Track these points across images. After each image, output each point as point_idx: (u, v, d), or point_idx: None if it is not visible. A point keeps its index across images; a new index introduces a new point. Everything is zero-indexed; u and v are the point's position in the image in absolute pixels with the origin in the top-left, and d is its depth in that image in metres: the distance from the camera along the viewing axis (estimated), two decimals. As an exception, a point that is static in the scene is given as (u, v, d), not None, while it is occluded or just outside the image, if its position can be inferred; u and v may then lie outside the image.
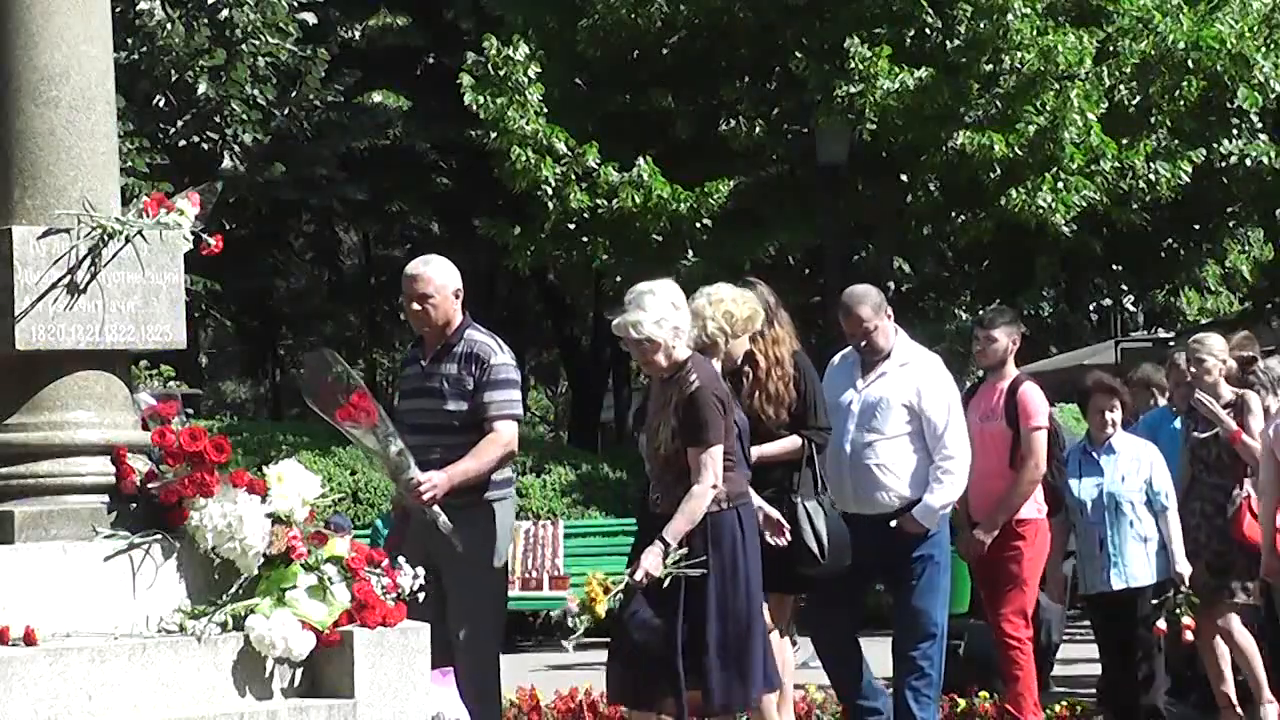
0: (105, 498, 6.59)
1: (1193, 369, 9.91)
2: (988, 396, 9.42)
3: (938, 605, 8.79)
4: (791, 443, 8.28)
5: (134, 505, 6.59)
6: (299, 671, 6.53)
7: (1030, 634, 9.35)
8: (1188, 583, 9.50)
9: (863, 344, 8.78)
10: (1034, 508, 9.31)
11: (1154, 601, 9.52)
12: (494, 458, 7.64)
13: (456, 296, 7.82)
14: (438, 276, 7.81)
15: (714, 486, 7.20)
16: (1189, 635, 9.58)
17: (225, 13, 21.42)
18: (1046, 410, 9.42)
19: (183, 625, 6.44)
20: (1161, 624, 9.51)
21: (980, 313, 9.98)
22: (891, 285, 20.75)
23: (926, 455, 8.69)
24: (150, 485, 6.58)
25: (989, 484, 9.17)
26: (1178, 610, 9.48)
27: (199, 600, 6.53)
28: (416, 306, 7.78)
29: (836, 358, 9.10)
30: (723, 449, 7.27)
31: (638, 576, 7.12)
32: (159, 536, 6.52)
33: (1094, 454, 9.74)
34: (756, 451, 8.05)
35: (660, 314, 7.23)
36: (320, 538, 6.69)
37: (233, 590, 6.54)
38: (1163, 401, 10.92)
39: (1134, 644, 9.65)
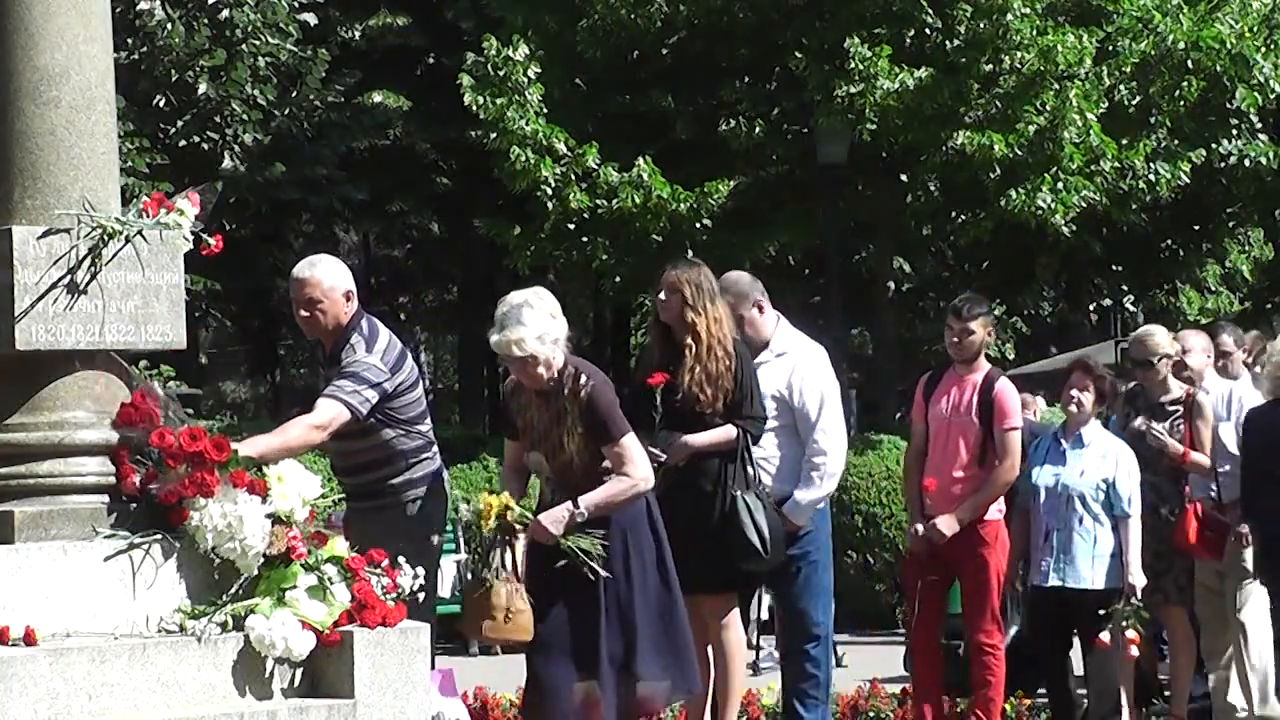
0: (105, 498, 6.58)
1: (1139, 364, 9.63)
2: (957, 390, 9.06)
3: (820, 605, 8.59)
4: (726, 432, 8.00)
5: (134, 505, 6.59)
6: (299, 671, 6.53)
7: (1002, 639, 9.10)
8: (1139, 595, 9.07)
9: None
10: (995, 509, 9.03)
11: (1100, 612, 9.07)
12: (295, 435, 7.12)
13: (348, 299, 7.48)
14: (326, 279, 7.48)
15: (644, 479, 7.09)
16: (1133, 651, 9.19)
17: (225, 13, 21.44)
18: (1020, 409, 9.18)
19: (183, 625, 6.44)
20: (1105, 636, 9.06)
21: (954, 301, 9.44)
22: (891, 285, 20.78)
23: (798, 449, 8.41)
24: (151, 486, 6.58)
25: (952, 480, 8.94)
26: (1125, 623, 9.04)
27: (199, 600, 6.53)
28: (304, 313, 7.45)
29: None
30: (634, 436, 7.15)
31: (538, 532, 6.89)
32: (159, 536, 6.52)
33: (1062, 443, 9.33)
34: (692, 440, 7.91)
35: (540, 328, 7.03)
36: (320, 538, 6.69)
37: (233, 590, 6.54)
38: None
39: (1068, 646, 9.33)
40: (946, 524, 8.88)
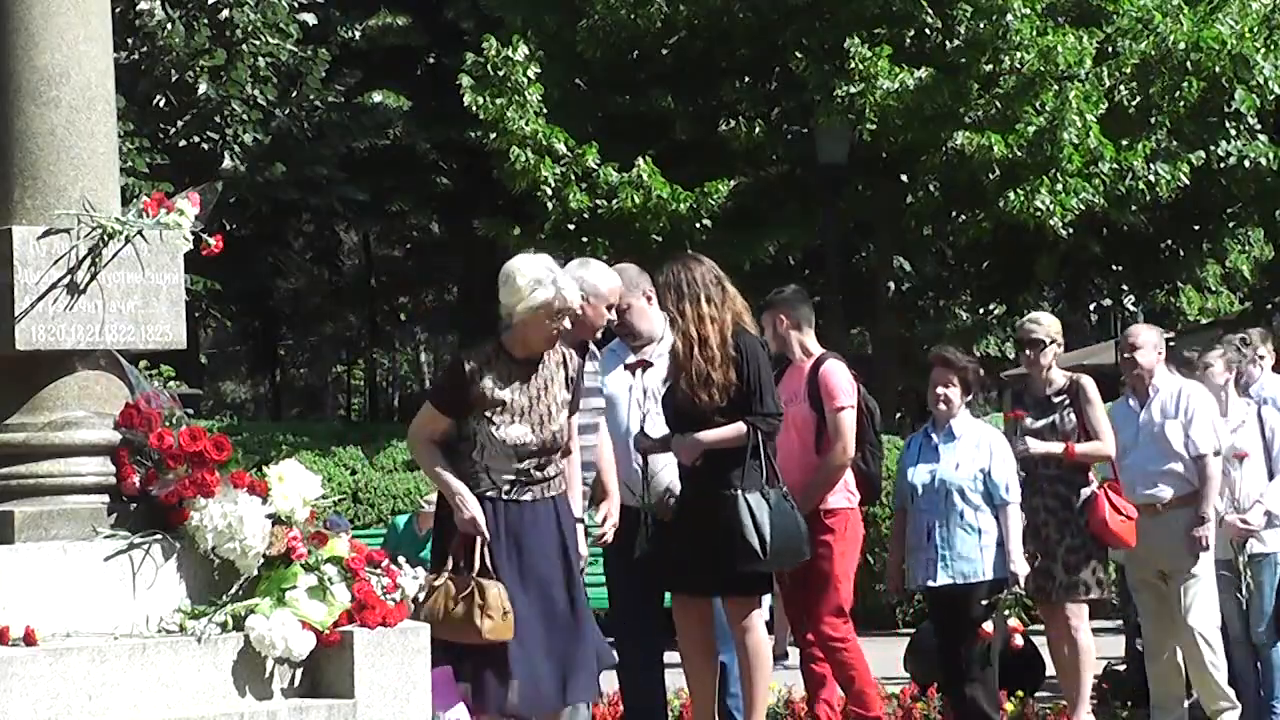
0: (105, 498, 6.59)
1: (1026, 352, 9.41)
2: (794, 378, 8.76)
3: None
4: (734, 429, 7.83)
5: (134, 505, 6.60)
6: (299, 671, 6.53)
7: (851, 628, 8.73)
8: (1021, 583, 8.82)
9: (614, 322, 8.25)
10: (843, 496, 8.71)
11: (984, 602, 8.82)
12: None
13: None
14: None
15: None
16: (1018, 640, 9.01)
17: (225, 13, 21.48)
18: (853, 389, 8.73)
19: (183, 625, 6.44)
20: (988, 626, 8.82)
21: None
22: (891, 285, 20.79)
23: None
24: (150, 487, 6.58)
25: (793, 471, 8.42)
26: (1006, 612, 8.84)
27: (199, 600, 6.53)
28: (615, 314, 8.08)
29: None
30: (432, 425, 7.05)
31: None
32: (159, 536, 6.52)
33: (933, 438, 9.03)
34: (702, 436, 7.79)
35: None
36: (320, 538, 6.69)
37: (233, 590, 6.54)
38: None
39: (966, 642, 9.01)
40: None
